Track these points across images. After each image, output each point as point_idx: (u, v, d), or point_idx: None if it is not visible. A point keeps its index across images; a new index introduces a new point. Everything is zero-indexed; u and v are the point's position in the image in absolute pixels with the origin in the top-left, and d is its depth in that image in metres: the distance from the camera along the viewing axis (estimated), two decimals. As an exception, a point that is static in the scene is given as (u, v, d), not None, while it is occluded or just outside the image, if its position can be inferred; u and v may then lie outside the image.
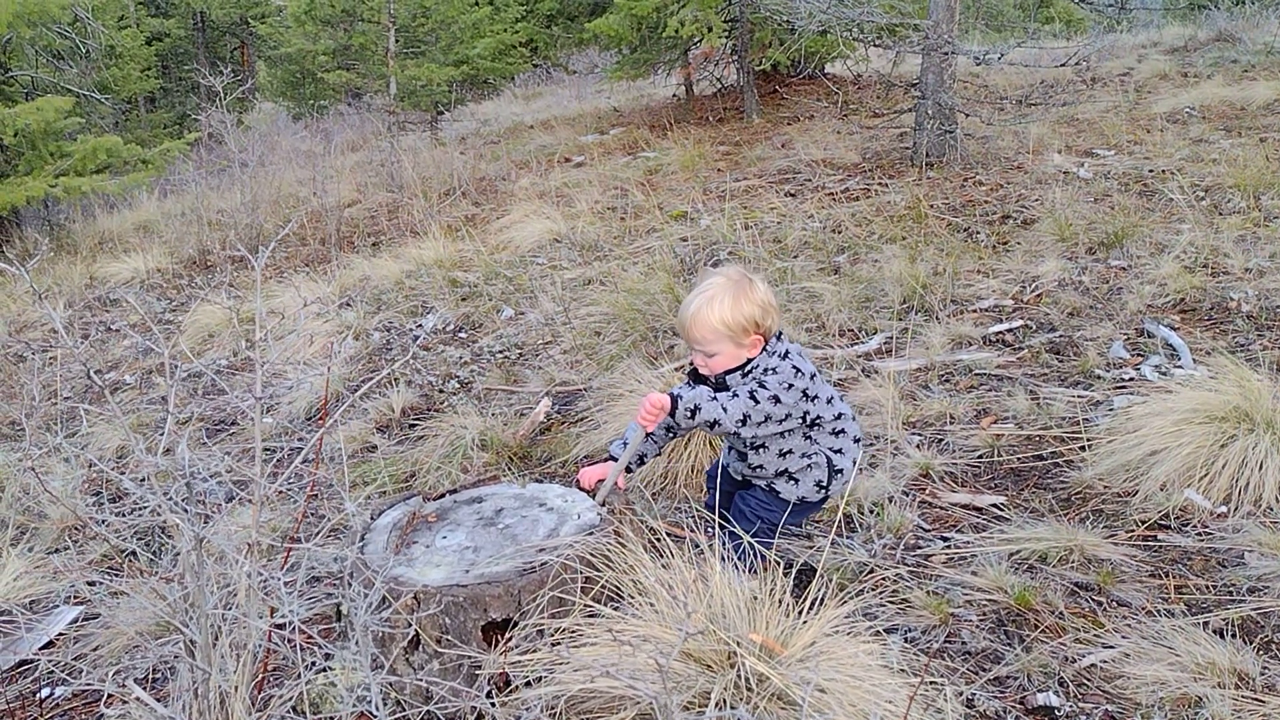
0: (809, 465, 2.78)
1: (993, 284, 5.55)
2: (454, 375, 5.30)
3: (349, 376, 5.54)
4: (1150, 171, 7.37)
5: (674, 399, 2.60)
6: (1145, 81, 11.37)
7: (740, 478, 2.93)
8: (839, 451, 2.81)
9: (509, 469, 4.12)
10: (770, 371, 2.66)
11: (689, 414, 2.59)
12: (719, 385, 2.74)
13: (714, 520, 2.63)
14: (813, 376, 2.71)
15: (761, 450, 2.77)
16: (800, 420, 2.72)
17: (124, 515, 4.07)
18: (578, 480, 2.89)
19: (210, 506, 3.37)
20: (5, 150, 10.68)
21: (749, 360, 2.69)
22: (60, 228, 11.69)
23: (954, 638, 2.70)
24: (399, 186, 10.64)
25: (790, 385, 2.64)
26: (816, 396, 2.73)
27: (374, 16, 11.88)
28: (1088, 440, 3.69)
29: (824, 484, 2.80)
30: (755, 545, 2.57)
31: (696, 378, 2.81)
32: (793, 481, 2.80)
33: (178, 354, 5.33)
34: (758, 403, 2.60)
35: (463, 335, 6.03)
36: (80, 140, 10.86)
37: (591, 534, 2.53)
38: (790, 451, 2.76)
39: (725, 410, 2.58)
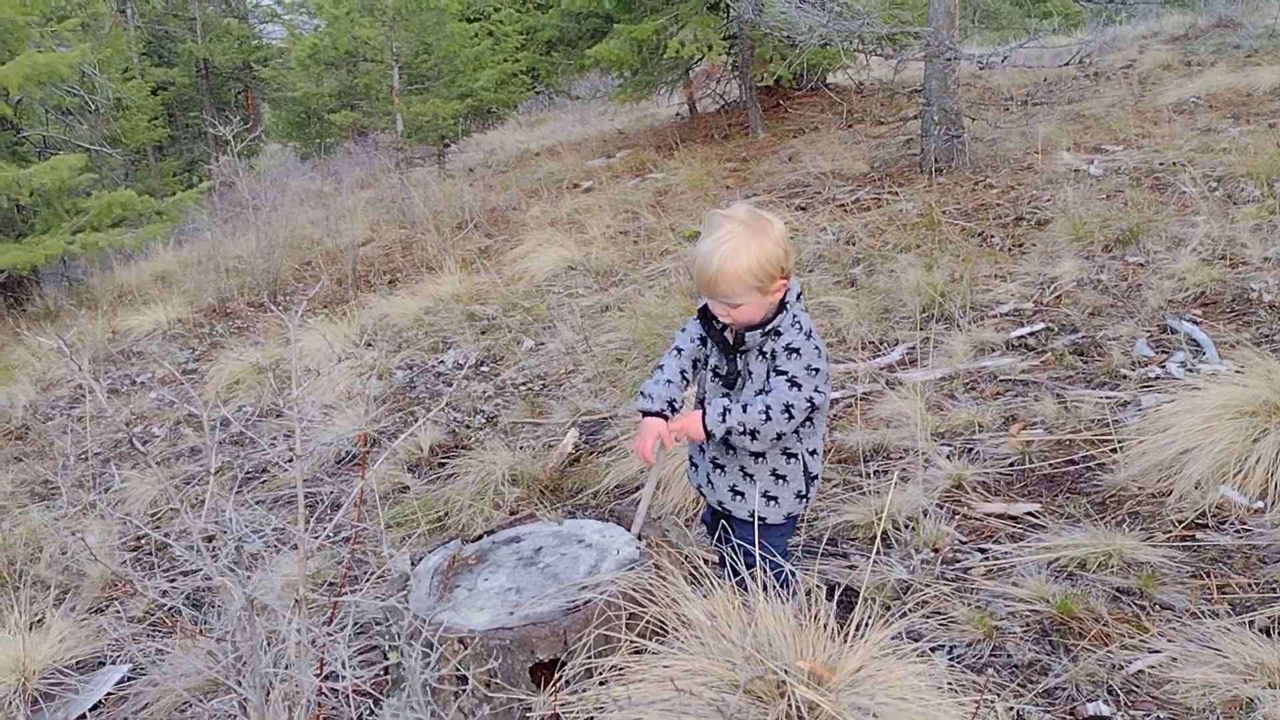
0: (781, 478, 2.60)
1: (1011, 288, 5.55)
2: (479, 410, 5.33)
3: (376, 418, 5.58)
4: (1161, 165, 7.36)
5: (709, 434, 2.50)
6: (1149, 73, 11.36)
7: (719, 507, 2.74)
8: (814, 453, 2.63)
9: (541, 502, 4.13)
10: (793, 354, 2.45)
11: (724, 435, 2.49)
12: (737, 341, 2.54)
13: (754, 550, 2.60)
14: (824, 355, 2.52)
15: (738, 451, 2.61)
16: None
17: (168, 573, 4.11)
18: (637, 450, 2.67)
19: (252, 559, 3.40)
20: (22, 210, 10.82)
21: (770, 318, 2.48)
22: (79, 283, 11.82)
23: (999, 651, 2.70)
24: (411, 222, 10.72)
25: (817, 369, 2.45)
26: (827, 380, 2.53)
27: (377, 56, 12.01)
28: (1119, 442, 3.68)
29: (804, 494, 2.64)
30: (785, 572, 2.54)
31: (706, 317, 2.60)
32: (772, 501, 2.61)
33: (215, 415, 5.39)
34: (792, 417, 2.44)
35: (485, 369, 6.07)
36: (95, 196, 10.99)
37: (632, 569, 2.54)
38: (762, 456, 2.59)
39: (756, 435, 2.44)
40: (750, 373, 2.55)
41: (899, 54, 8.46)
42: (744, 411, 2.47)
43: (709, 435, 2.53)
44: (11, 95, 10.13)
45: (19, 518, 5.08)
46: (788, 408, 2.44)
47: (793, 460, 2.61)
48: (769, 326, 2.49)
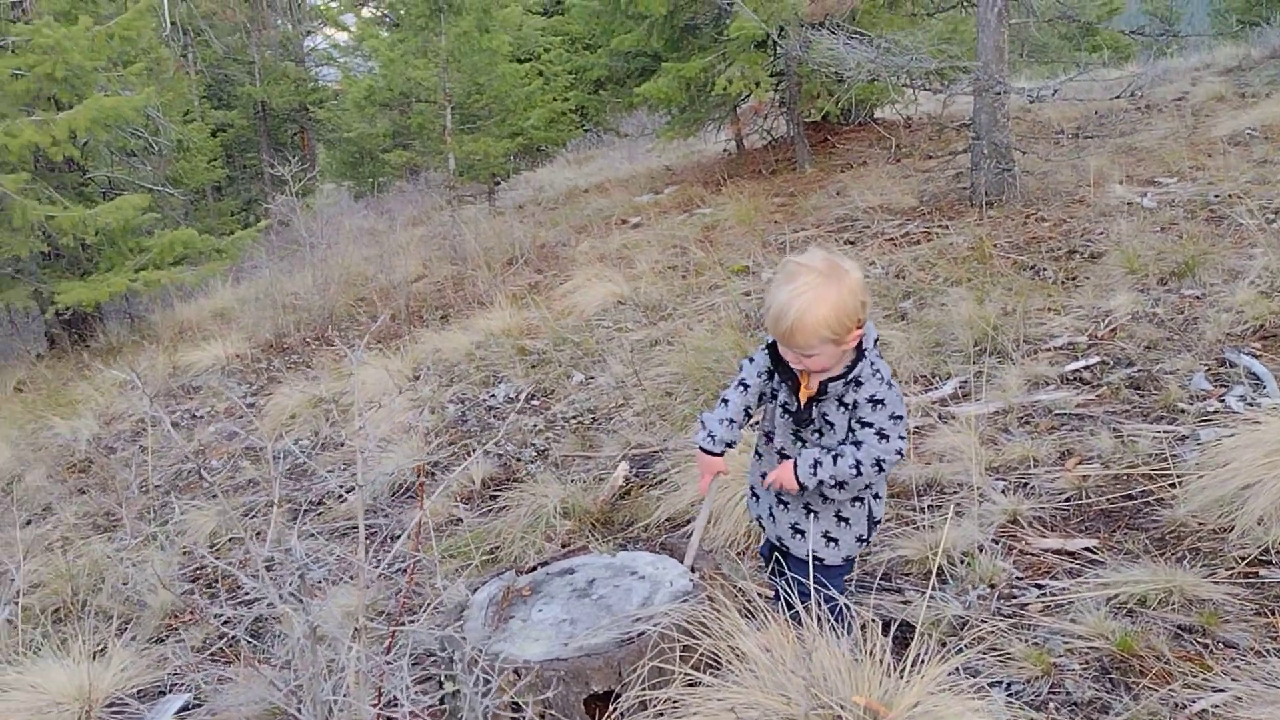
0: (844, 520, 2.61)
1: (1065, 321, 5.50)
2: (530, 443, 5.37)
3: (430, 450, 5.64)
4: (1216, 197, 7.27)
5: (801, 485, 2.51)
6: (1202, 105, 11.24)
7: (778, 543, 2.73)
8: (878, 497, 2.64)
9: (592, 535, 4.15)
10: (878, 405, 2.43)
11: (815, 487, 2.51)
12: (819, 392, 2.51)
13: (808, 585, 2.59)
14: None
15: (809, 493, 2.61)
16: None
17: (230, 602, 4.18)
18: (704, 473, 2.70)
19: (312, 590, 3.45)
20: (87, 249, 11.14)
21: (850, 366, 2.46)
22: (141, 320, 12.11)
23: (1058, 689, 2.66)
24: (462, 258, 10.88)
25: (900, 418, 2.45)
26: (906, 424, 2.52)
27: (430, 97, 12.25)
28: (1177, 477, 3.63)
29: (864, 538, 2.64)
30: (840, 613, 2.53)
31: (778, 358, 2.56)
32: (833, 543, 2.62)
33: (276, 447, 5.50)
34: (882, 469, 2.45)
35: (535, 403, 6.12)
36: (157, 235, 11.30)
37: (686, 601, 2.55)
38: (829, 499, 2.59)
39: (844, 486, 2.48)
40: (829, 422, 2.52)
41: (948, 88, 8.47)
42: (834, 464, 2.46)
43: (801, 487, 2.52)
44: (79, 138, 10.47)
45: (82, 549, 5.20)
46: (879, 462, 2.43)
47: (858, 504, 2.61)
48: (850, 376, 2.46)
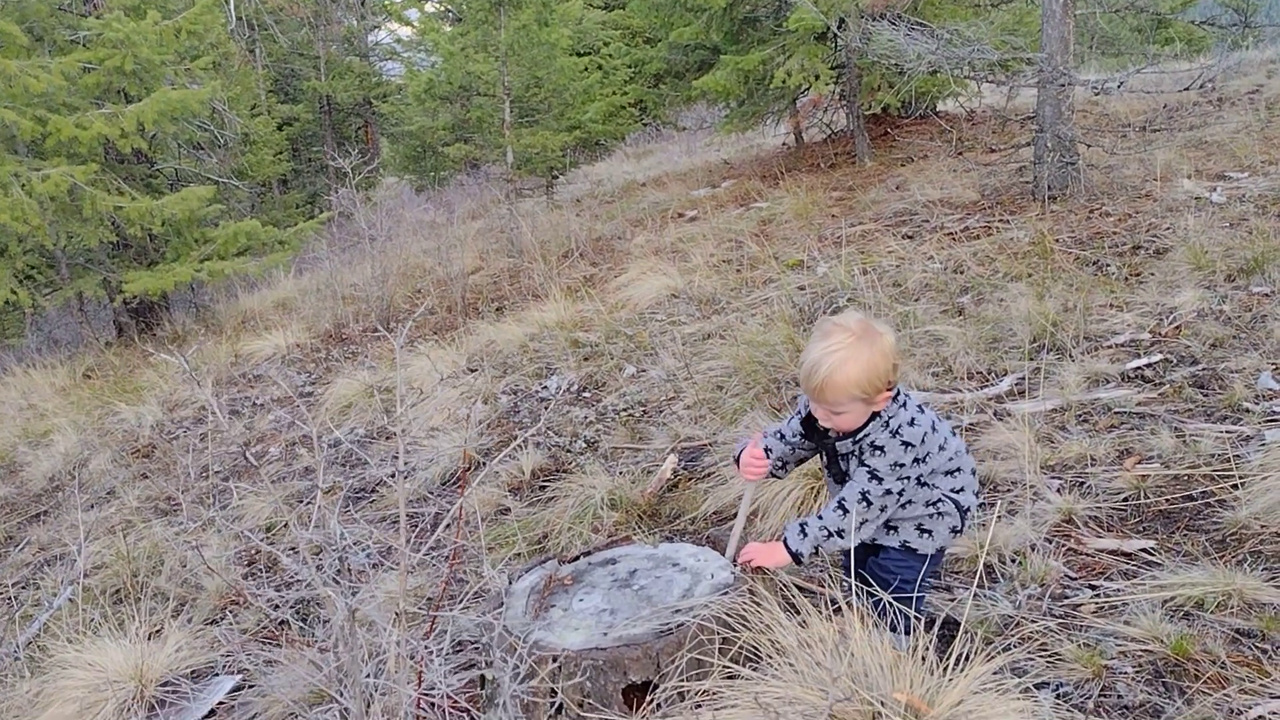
0: (938, 513, 2.64)
1: (1127, 318, 5.37)
2: (580, 435, 5.38)
3: (481, 440, 5.68)
4: (1290, 191, 7.04)
5: (795, 556, 2.58)
6: (1277, 98, 10.90)
7: (870, 540, 2.77)
8: (961, 490, 2.68)
9: (639, 527, 4.15)
10: (877, 450, 2.52)
11: (813, 552, 2.57)
12: (836, 448, 2.66)
13: (850, 579, 2.58)
14: (924, 437, 2.54)
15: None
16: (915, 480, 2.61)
17: (279, 587, 4.25)
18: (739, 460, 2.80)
19: (357, 574, 3.49)
20: (154, 239, 11.39)
21: (863, 425, 2.54)
22: (205, 309, 12.37)
23: (1109, 691, 2.60)
24: (519, 251, 10.94)
25: (900, 464, 2.52)
26: (928, 455, 2.58)
27: (490, 90, 12.30)
28: (1240, 478, 3.52)
29: (958, 528, 2.69)
30: (900, 606, 2.50)
31: (810, 426, 2.69)
32: (926, 534, 2.66)
33: (323, 430, 5.59)
34: (869, 504, 2.51)
35: (587, 395, 6.13)
36: (222, 226, 11.52)
37: (726, 593, 2.53)
38: (911, 502, 2.63)
39: (843, 533, 2.52)
40: (852, 476, 2.61)
41: (1011, 80, 8.31)
42: (820, 519, 2.55)
43: (796, 558, 2.57)
44: (147, 130, 10.70)
45: (143, 532, 5.32)
46: (863, 495, 2.51)
47: (943, 502, 2.66)
48: (859, 435, 2.55)
